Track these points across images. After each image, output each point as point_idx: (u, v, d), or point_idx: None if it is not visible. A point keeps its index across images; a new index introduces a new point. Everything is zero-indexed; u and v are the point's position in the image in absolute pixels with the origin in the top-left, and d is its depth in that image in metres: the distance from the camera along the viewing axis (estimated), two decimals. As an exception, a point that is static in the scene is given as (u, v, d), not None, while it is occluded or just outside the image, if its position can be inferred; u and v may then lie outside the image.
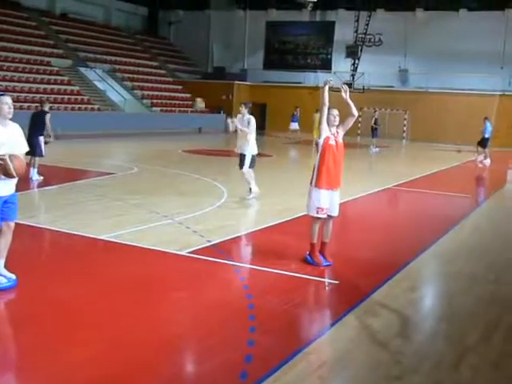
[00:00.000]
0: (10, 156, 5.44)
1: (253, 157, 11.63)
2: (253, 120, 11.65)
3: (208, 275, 6.71)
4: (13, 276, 5.78)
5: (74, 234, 8.09)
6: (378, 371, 4.53)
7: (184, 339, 5.00)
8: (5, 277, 5.73)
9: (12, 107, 5.66)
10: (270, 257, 7.32)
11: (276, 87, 40.98)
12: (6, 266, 5.81)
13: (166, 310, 5.60)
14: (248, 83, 43.03)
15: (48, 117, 12.84)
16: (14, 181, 5.72)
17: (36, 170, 12.63)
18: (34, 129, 12.51)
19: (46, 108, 13.29)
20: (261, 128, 41.26)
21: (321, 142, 7.04)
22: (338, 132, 7.09)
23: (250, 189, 11.53)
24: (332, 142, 6.99)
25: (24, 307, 5.50)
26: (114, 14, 44.58)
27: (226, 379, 4.27)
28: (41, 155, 12.71)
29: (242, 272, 6.70)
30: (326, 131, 7.02)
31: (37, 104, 28.70)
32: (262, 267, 6.87)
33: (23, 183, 6.76)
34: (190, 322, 5.30)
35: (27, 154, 6.10)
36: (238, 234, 8.55)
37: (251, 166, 11.61)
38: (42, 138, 12.79)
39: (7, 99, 5.63)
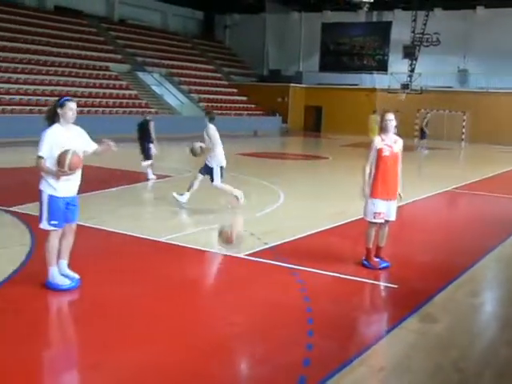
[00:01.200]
0: (73, 152, 5.60)
1: (221, 168, 10.50)
2: (211, 130, 10.63)
3: (265, 277, 6.72)
4: (76, 276, 5.92)
5: (132, 236, 8.23)
6: (438, 378, 4.44)
7: (240, 341, 5.01)
8: (68, 277, 5.88)
9: (75, 113, 5.81)
10: (327, 260, 7.28)
11: (331, 89, 40.74)
12: (69, 267, 5.96)
13: (222, 311, 5.62)
14: (303, 86, 42.97)
15: (151, 124, 14.24)
16: (77, 183, 5.87)
17: (151, 170, 14.06)
18: (142, 136, 14.23)
19: (148, 117, 14.82)
20: (316, 130, 41.25)
21: (372, 154, 6.90)
22: (395, 141, 6.95)
23: (236, 196, 10.47)
24: (386, 153, 6.87)
25: (85, 307, 5.62)
26: (171, 18, 45.22)
27: (285, 382, 4.26)
28: (149, 158, 14.09)
29: (299, 274, 6.67)
30: (378, 143, 6.90)
31: (97, 108, 29.43)
32: (318, 270, 6.84)
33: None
34: (247, 324, 5.31)
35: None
36: (295, 237, 8.52)
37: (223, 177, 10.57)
38: (151, 145, 14.14)
39: (72, 105, 5.78)
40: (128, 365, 4.42)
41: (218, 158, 10.50)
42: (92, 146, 6.03)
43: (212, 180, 10.46)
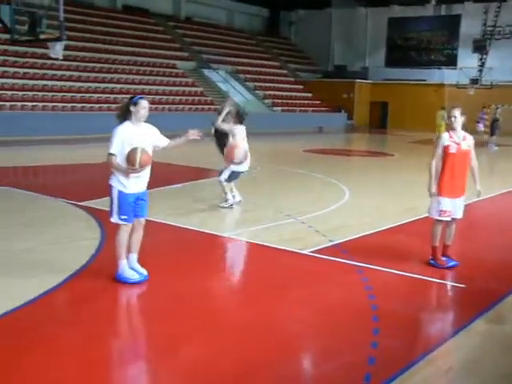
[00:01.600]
0: (142, 149, 5.72)
1: (233, 173, 10.21)
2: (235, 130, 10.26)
3: (330, 275, 6.70)
4: (144, 272, 6.06)
5: (198, 231, 8.35)
6: (507, 381, 4.33)
7: (305, 339, 5.02)
8: (137, 272, 6.02)
9: (148, 111, 5.92)
10: (393, 258, 7.19)
11: (398, 85, 40.13)
12: (138, 261, 6.11)
13: (286, 308, 5.62)
14: (369, 81, 42.48)
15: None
16: (146, 179, 6.00)
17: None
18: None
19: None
20: (382, 127, 40.72)
21: (439, 151, 6.76)
22: (464, 138, 6.79)
23: (226, 199, 10.13)
24: (453, 150, 6.71)
25: (152, 301, 5.74)
26: (237, 16, 45.51)
27: (350, 380, 4.25)
28: None
29: (364, 272, 6.62)
30: (445, 140, 6.76)
31: (164, 105, 29.94)
32: (384, 268, 6.76)
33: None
34: (311, 321, 5.31)
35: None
36: (361, 234, 8.45)
37: (230, 179, 10.24)
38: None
39: (145, 103, 5.88)
40: (197, 358, 4.49)
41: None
42: (163, 142, 6.12)
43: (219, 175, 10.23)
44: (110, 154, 5.75)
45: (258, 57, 42.42)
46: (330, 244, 7.78)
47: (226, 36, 41.93)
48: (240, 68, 39.34)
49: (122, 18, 35.60)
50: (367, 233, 8.58)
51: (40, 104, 25.43)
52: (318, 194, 12.18)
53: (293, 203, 10.81)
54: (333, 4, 44.57)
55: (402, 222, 9.45)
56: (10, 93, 24.97)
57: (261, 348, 4.69)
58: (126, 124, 5.84)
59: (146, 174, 5.96)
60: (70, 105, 26.54)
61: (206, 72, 37.17)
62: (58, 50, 14.51)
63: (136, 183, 5.87)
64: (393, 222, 9.44)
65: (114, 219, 5.92)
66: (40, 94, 25.97)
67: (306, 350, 4.89)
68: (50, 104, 25.82)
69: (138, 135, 5.81)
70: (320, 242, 7.81)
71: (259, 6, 46.23)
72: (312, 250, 7.41)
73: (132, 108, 5.82)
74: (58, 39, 14.12)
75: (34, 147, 19.95)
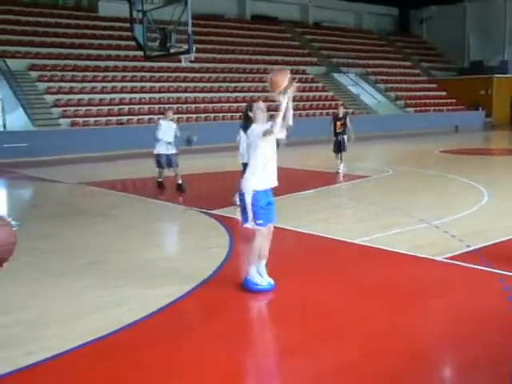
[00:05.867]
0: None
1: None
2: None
3: (467, 282, 6.25)
4: (272, 281, 5.98)
5: (329, 238, 8.16)
6: None
7: (441, 349, 4.67)
8: (264, 279, 5.95)
9: (265, 110, 5.93)
10: (540, 265, 6.59)
11: (542, 78, 37.65)
12: (266, 266, 6.04)
13: (419, 317, 5.27)
14: (509, 76, 40.17)
15: (348, 119, 15.18)
16: (275, 172, 5.88)
17: (342, 163, 15.00)
18: (340, 129, 15.06)
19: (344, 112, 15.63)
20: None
21: None
22: None
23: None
24: None
25: (282, 309, 5.63)
26: (365, 17, 44.92)
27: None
28: (344, 150, 15.06)
29: (506, 281, 6.11)
30: None
31: (295, 111, 30.01)
32: (529, 276, 6.21)
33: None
34: (447, 331, 4.94)
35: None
36: (501, 239, 7.85)
37: None
38: (345, 137, 15.03)
39: (260, 104, 5.99)
40: (334, 365, 4.35)
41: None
42: (282, 132, 5.90)
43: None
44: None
45: (389, 57, 41.53)
46: (468, 250, 7.28)
47: (354, 38, 41.47)
48: (370, 70, 38.72)
49: (250, 28, 36.24)
50: (509, 237, 7.96)
51: (175, 116, 26.44)
52: (454, 196, 11.56)
53: (427, 207, 10.33)
54: (467, -3, 42.74)
55: (549, 226, 8.70)
56: (146, 107, 26.21)
57: (391, 359, 4.41)
58: (254, 127, 5.85)
59: (273, 167, 5.87)
60: (203, 115, 27.37)
61: (336, 76, 36.92)
62: (186, 61, 15.01)
63: (266, 177, 5.80)
64: (538, 225, 8.71)
65: (251, 225, 5.88)
66: (175, 106, 27.02)
67: (440, 361, 4.54)
68: (185, 116, 26.76)
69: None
70: (456, 248, 7.34)
71: (388, 5, 45.30)
72: (448, 256, 6.97)
73: (250, 113, 5.94)
74: (186, 52, 14.55)
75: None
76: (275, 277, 6.03)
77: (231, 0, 37.78)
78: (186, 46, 14.43)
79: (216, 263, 6.91)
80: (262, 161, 5.77)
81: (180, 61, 15.58)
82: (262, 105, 5.98)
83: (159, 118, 14.04)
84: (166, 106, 26.87)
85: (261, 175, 5.79)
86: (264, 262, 6.04)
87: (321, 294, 5.91)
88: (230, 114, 27.86)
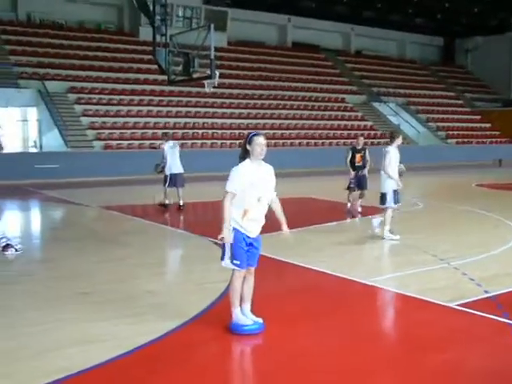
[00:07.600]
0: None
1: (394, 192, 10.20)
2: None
3: (478, 335, 5.64)
4: (260, 320, 5.53)
5: (337, 276, 7.65)
6: None
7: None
8: (248, 319, 5.52)
9: (265, 148, 5.41)
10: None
11: None
12: (252, 310, 5.60)
13: (425, 373, 4.68)
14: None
15: (367, 151, 13.91)
16: (261, 223, 5.49)
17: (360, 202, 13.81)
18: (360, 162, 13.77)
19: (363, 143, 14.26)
20: None
21: None
22: None
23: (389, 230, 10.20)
24: None
25: (263, 357, 5.15)
26: (409, 46, 44.41)
27: None
28: (366, 187, 13.70)
29: (523, 334, 5.52)
30: None
31: (331, 140, 29.58)
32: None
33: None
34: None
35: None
36: (525, 285, 7.22)
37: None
38: (366, 172, 13.74)
39: (260, 139, 5.38)
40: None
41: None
42: (272, 193, 5.59)
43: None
44: (226, 192, 5.32)
45: (432, 87, 40.84)
46: (485, 296, 6.68)
47: (396, 68, 40.97)
48: (412, 100, 38.08)
49: (291, 55, 36.11)
50: (534, 284, 7.32)
51: (208, 141, 26.34)
52: (482, 235, 10.88)
53: (450, 245, 9.74)
54: (515, 28, 41.83)
55: None
56: (180, 131, 26.15)
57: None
58: (246, 162, 5.40)
59: (261, 219, 5.46)
60: (237, 141, 27.18)
61: (376, 105, 36.41)
62: (209, 86, 14.78)
63: (250, 227, 5.39)
64: None
65: (225, 263, 5.47)
66: (210, 131, 26.94)
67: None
68: (219, 141, 26.63)
69: (256, 175, 5.34)
70: (472, 294, 6.73)
71: (432, 35, 44.69)
72: (460, 302, 6.38)
73: (248, 146, 5.38)
74: (209, 77, 14.33)
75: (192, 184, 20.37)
76: (267, 317, 5.58)
77: (272, 27, 37.77)
78: (208, 72, 14.21)
79: (210, 299, 6.51)
80: (245, 205, 5.35)
81: (203, 85, 15.34)
82: (262, 140, 5.39)
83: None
84: (201, 131, 26.82)
85: (242, 219, 5.36)
86: (248, 306, 5.59)
87: (311, 340, 5.40)
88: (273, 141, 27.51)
